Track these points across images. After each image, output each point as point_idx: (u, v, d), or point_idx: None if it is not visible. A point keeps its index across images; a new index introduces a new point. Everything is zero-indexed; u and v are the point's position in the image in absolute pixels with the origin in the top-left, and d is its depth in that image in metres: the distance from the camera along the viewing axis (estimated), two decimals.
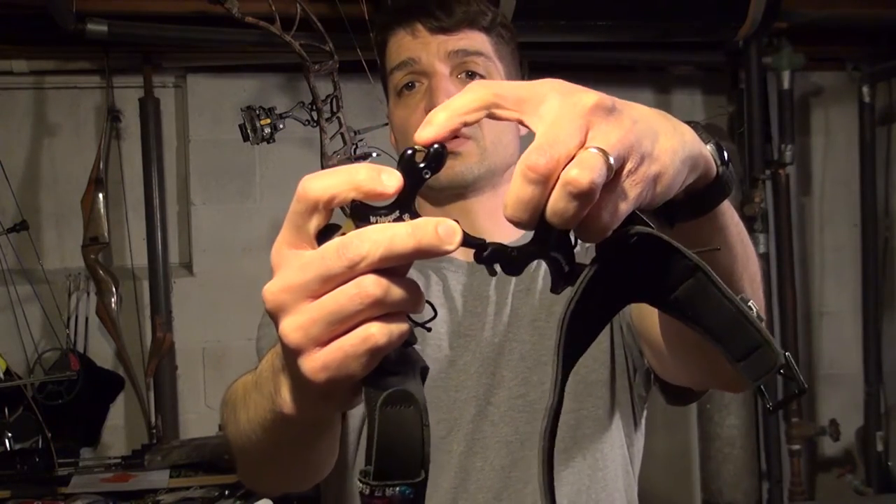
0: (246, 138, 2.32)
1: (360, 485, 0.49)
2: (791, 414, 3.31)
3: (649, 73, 3.55)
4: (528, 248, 0.51)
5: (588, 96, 0.49)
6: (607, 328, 1.09)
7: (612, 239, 0.51)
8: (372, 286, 0.49)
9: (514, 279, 1.13)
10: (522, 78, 1.24)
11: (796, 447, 3.28)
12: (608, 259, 0.52)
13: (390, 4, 2.33)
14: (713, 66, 3.48)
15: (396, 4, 1.22)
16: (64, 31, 2.63)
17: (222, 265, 3.19)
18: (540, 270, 1.15)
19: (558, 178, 0.47)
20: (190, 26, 2.82)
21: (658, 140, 0.52)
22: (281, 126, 2.31)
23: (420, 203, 1.23)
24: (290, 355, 0.53)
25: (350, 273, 0.49)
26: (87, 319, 3.06)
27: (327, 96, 2.24)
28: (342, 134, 2.20)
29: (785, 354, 0.53)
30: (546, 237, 0.50)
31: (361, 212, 0.50)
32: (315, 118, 2.23)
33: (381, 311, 0.50)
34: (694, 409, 3.20)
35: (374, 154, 2.16)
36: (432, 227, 0.48)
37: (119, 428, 3.12)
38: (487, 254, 0.51)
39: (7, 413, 2.85)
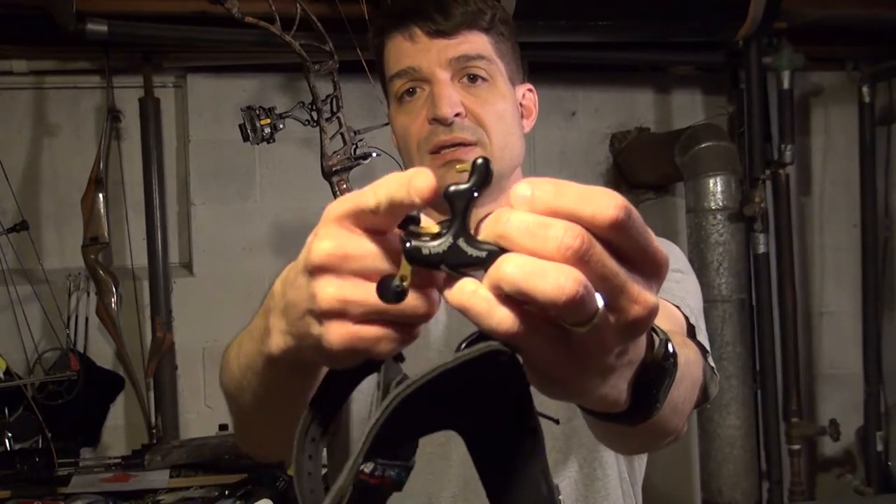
0: (246, 138, 2.32)
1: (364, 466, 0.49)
2: (791, 414, 3.31)
3: (649, 73, 3.56)
4: None
5: None
6: None
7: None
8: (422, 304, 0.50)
9: None
10: (524, 72, 1.22)
11: (796, 447, 3.28)
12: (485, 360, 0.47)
13: (388, 5, 2.33)
14: (713, 66, 3.48)
15: (393, 7, 1.20)
16: (64, 31, 2.63)
17: (222, 265, 3.19)
18: None
19: None
20: (190, 26, 2.82)
21: None
22: (281, 126, 2.31)
23: (428, 210, 1.23)
24: (312, 314, 0.54)
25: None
26: (87, 319, 3.06)
27: (327, 96, 2.24)
28: (342, 134, 2.20)
29: None
30: None
31: (409, 252, 0.48)
32: (315, 118, 2.23)
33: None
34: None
35: (374, 154, 2.16)
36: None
37: (119, 428, 3.12)
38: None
39: (7, 413, 2.85)
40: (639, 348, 0.54)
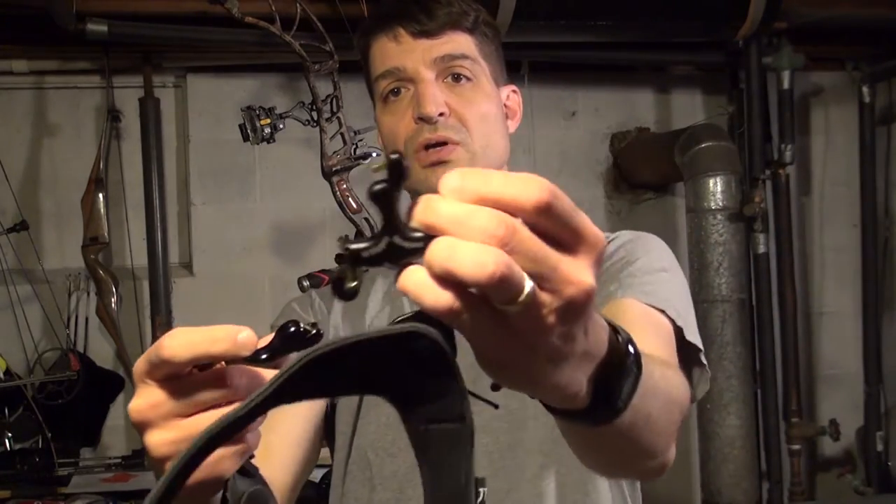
0: (246, 138, 2.32)
1: None
2: (791, 414, 3.31)
3: (649, 73, 3.56)
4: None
5: None
6: None
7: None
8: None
9: None
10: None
11: (796, 447, 3.28)
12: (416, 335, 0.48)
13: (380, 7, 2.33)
14: (713, 66, 3.48)
15: (378, 10, 1.20)
16: (64, 31, 2.63)
17: (222, 265, 3.19)
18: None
19: None
20: (190, 26, 2.82)
21: None
22: (281, 126, 2.31)
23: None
24: (159, 463, 0.61)
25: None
26: (87, 319, 3.06)
27: (327, 96, 2.24)
28: (342, 134, 2.19)
29: None
30: None
31: (351, 256, 0.50)
32: (315, 118, 2.23)
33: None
34: (694, 409, 3.20)
35: (374, 154, 2.16)
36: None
37: (119, 428, 3.12)
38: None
39: (7, 413, 2.85)
40: (597, 341, 0.54)
